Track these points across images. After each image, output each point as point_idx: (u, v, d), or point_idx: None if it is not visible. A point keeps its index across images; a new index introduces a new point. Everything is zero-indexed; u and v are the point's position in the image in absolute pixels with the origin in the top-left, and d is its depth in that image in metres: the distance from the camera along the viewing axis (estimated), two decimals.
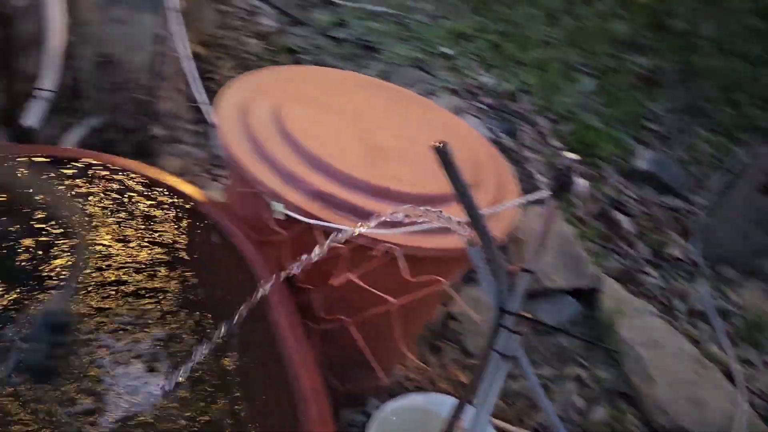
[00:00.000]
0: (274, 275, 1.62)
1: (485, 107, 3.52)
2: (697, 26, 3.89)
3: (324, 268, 1.59)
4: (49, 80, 1.84)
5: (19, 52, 1.73)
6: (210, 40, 3.53)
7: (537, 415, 2.30)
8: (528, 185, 3.17)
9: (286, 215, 1.58)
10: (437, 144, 0.87)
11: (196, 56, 3.49)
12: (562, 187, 0.93)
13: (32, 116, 1.89)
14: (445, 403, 1.82)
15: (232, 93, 1.90)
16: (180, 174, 2.88)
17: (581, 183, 0.88)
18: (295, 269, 1.12)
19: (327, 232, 1.55)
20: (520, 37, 3.78)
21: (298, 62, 3.63)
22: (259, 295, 1.35)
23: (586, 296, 2.61)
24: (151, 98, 2.73)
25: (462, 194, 0.92)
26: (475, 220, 0.97)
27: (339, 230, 1.48)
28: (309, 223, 1.54)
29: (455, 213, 1.69)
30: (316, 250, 1.11)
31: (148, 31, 2.80)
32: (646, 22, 3.85)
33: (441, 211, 0.95)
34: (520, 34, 3.79)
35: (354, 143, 1.75)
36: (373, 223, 1.00)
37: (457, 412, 1.19)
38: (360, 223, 1.08)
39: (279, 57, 3.62)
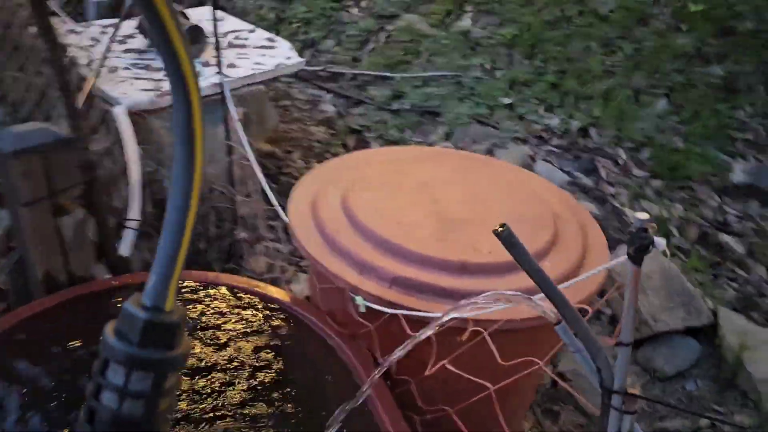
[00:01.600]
0: (373, 373, 1.59)
1: (556, 150, 3.43)
2: (767, 22, 3.67)
3: (415, 356, 1.55)
4: (134, 210, 1.96)
5: (103, 191, 1.86)
6: (277, 136, 3.68)
7: None
8: (617, 222, 3.02)
9: (367, 307, 1.57)
10: (498, 229, 0.83)
11: (268, 154, 3.64)
12: (640, 249, 0.86)
13: (124, 246, 2.01)
14: None
15: (301, 189, 1.95)
16: (268, 271, 2.96)
17: (660, 242, 0.81)
18: (389, 363, 1.08)
19: (410, 320, 1.52)
20: (578, 72, 3.70)
21: (362, 141, 3.71)
22: (362, 397, 1.32)
23: (705, 333, 2.41)
24: (230, 205, 2.85)
25: (535, 275, 0.87)
26: (556, 299, 0.91)
27: (431, 318, 1.44)
28: (390, 314, 1.51)
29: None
30: (406, 344, 1.08)
31: (217, 143, 2.95)
32: (709, 30, 3.68)
33: (529, 297, 0.90)
34: (578, 69, 3.72)
35: (425, 219, 1.74)
36: (459, 313, 0.96)
37: None
38: (449, 310, 1.04)
39: (344, 139, 3.71)
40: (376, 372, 1.05)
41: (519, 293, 0.95)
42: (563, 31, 3.79)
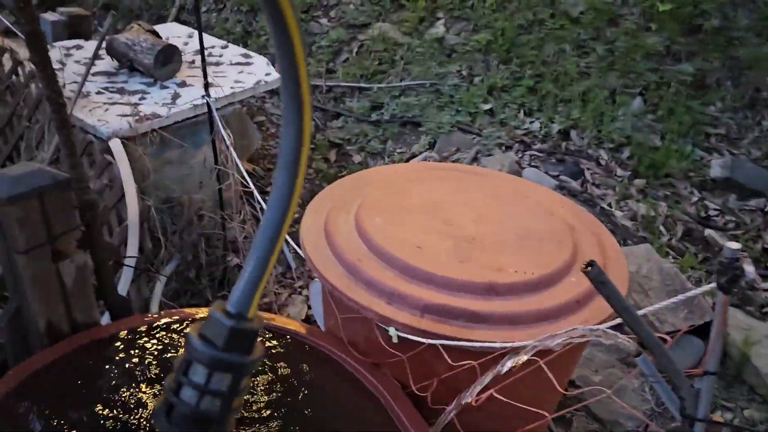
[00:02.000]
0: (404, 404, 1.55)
1: (540, 154, 3.44)
2: (732, 20, 3.77)
3: (452, 384, 1.51)
4: (132, 247, 1.87)
5: (101, 229, 1.76)
6: (257, 154, 3.59)
7: None
8: (608, 224, 3.05)
9: (400, 337, 1.52)
10: (585, 268, 0.80)
11: (248, 173, 3.55)
12: (732, 280, 0.84)
13: (123, 285, 1.91)
14: None
15: (310, 218, 1.88)
16: (263, 295, 2.87)
17: (750, 270, 0.79)
18: (452, 409, 1.04)
19: (447, 347, 1.48)
20: (555, 75, 3.73)
21: (344, 154, 3.65)
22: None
23: (707, 331, 2.44)
24: (220, 230, 2.76)
25: (624, 313, 0.84)
26: (643, 334, 0.88)
27: (471, 347, 1.40)
28: (429, 343, 1.47)
29: (568, 290, 1.61)
30: (486, 376, 1.03)
31: (202, 166, 2.86)
32: (677, 29, 3.75)
33: (614, 332, 0.87)
34: (554, 71, 3.74)
35: (443, 242, 1.70)
36: (525, 356, 0.93)
37: None
38: (535, 342, 1.00)
39: (325, 153, 3.65)
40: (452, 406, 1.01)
41: (601, 328, 0.92)
42: (537, 35, 3.81)
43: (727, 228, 3.18)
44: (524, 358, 0.94)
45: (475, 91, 3.71)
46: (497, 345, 1.29)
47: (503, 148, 3.41)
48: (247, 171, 3.56)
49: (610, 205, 3.18)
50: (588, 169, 3.36)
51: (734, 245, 0.83)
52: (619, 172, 3.38)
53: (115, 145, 1.94)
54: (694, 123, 3.56)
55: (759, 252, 3.01)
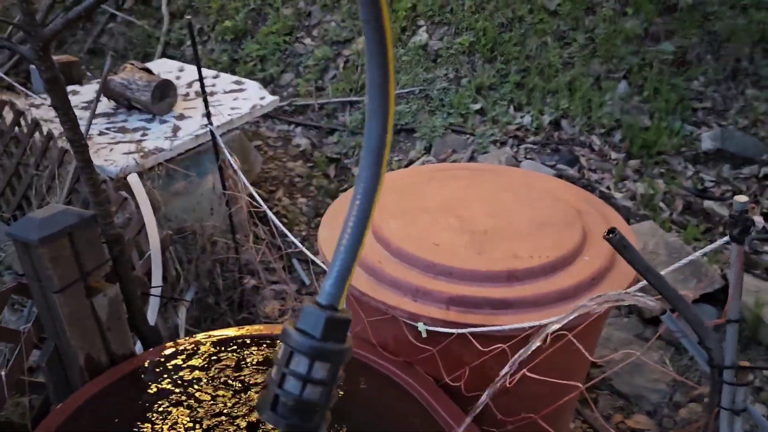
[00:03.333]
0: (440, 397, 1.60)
1: (534, 146, 3.52)
2: None
3: (484, 372, 1.57)
4: (157, 277, 1.92)
5: (128, 262, 1.82)
6: (259, 177, 3.66)
7: None
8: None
9: (429, 331, 1.58)
10: (608, 235, 0.87)
11: (251, 196, 3.62)
12: (743, 231, 0.91)
13: (152, 315, 1.96)
14: None
15: (326, 229, 1.95)
16: (281, 313, 2.93)
17: (759, 220, 0.86)
18: (483, 400, 1.09)
19: (476, 335, 1.54)
20: (540, 68, 3.82)
21: (343, 168, 3.72)
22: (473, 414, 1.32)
23: (719, 298, 2.51)
24: (233, 253, 2.82)
25: (647, 273, 0.90)
26: (666, 292, 0.95)
27: (499, 332, 1.46)
28: (458, 333, 1.53)
29: (583, 269, 1.67)
30: (522, 352, 1.09)
31: (211, 193, 2.92)
32: (653, 10, 3.85)
33: (636, 294, 0.93)
34: (539, 65, 3.83)
35: (459, 237, 1.76)
36: (556, 325, 0.99)
37: None
38: (562, 317, 1.06)
39: (324, 169, 3.72)
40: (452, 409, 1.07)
41: (625, 292, 0.98)
42: (518, 31, 3.90)
43: (725, 197, 3.26)
44: (556, 326, 1.00)
45: (464, 93, 3.79)
46: (526, 325, 1.35)
47: (498, 144, 3.49)
48: (248, 194, 3.63)
49: (608, 188, 3.25)
50: (582, 155, 3.44)
51: (743, 198, 0.90)
52: (613, 155, 3.46)
53: (133, 179, 2.00)
54: (680, 99, 3.65)
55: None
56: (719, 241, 1.03)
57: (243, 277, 2.80)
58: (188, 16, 2.29)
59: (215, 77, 3.61)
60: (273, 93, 4.38)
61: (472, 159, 3.40)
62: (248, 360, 1.79)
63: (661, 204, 3.08)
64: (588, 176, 3.30)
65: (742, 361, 1.02)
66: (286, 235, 2.65)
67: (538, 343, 1.03)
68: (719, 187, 3.32)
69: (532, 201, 1.97)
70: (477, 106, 3.77)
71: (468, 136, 3.60)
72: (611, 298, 0.98)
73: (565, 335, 1.44)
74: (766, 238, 2.94)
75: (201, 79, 2.30)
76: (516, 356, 1.05)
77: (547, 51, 3.82)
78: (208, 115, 2.44)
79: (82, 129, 2.82)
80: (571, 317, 0.99)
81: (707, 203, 3.18)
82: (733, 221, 0.90)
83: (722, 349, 1.02)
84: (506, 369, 1.05)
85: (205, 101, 2.37)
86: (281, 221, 3.46)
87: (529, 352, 1.03)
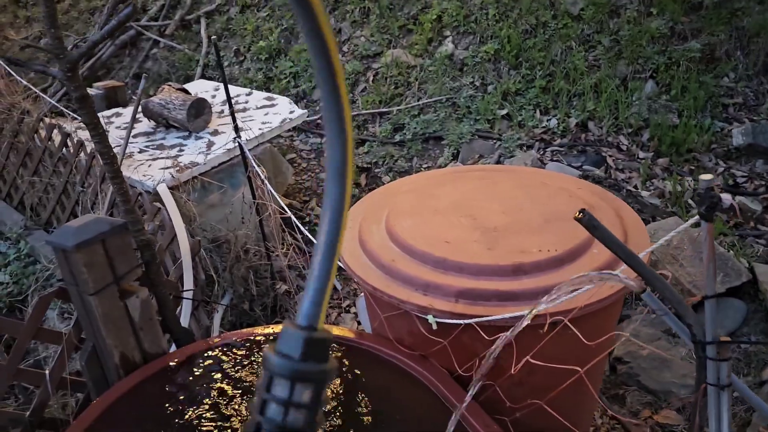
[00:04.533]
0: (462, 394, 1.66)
1: (561, 148, 3.54)
2: None
3: (494, 361, 1.61)
4: (188, 280, 2.03)
5: (160, 266, 1.94)
6: (291, 188, 3.79)
7: (758, 425, 2.14)
8: (637, 204, 3.11)
9: (439, 323, 1.64)
10: (579, 216, 0.92)
11: (287, 207, 3.74)
12: (709, 207, 0.95)
13: (184, 317, 2.07)
14: None
15: (345, 231, 2.03)
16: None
17: (726, 197, 0.90)
18: (479, 381, 1.15)
19: (485, 326, 1.59)
20: (565, 72, 3.84)
21: (373, 177, 3.81)
22: (457, 416, 1.38)
23: (746, 291, 2.48)
24: (266, 261, 2.93)
25: (620, 251, 0.95)
26: (641, 269, 0.99)
27: (504, 321, 1.51)
28: (464, 324, 1.58)
29: (591, 262, 1.70)
30: (494, 347, 1.15)
31: (242, 205, 3.05)
32: (679, 9, 3.83)
33: (615, 273, 0.98)
34: (564, 69, 3.85)
35: (470, 234, 1.82)
36: (543, 305, 1.04)
37: None
38: (544, 299, 1.11)
39: (355, 178, 3.82)
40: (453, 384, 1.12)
41: (605, 272, 1.03)
42: (542, 37, 3.94)
43: (758, 192, 3.20)
44: (542, 307, 1.05)
45: (490, 99, 3.84)
46: (517, 314, 1.40)
47: (524, 148, 3.52)
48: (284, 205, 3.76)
49: (636, 186, 3.24)
50: (610, 155, 3.44)
51: (707, 176, 0.94)
52: (641, 154, 3.44)
53: (162, 189, 2.14)
54: (710, 96, 3.61)
55: None
56: (690, 220, 1.05)
57: (276, 283, 2.91)
58: (214, 37, 2.43)
59: (248, 94, 3.77)
60: (306, 108, 4.53)
61: (498, 163, 3.44)
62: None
63: (690, 201, 3.06)
64: (615, 176, 3.29)
65: (723, 336, 1.05)
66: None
67: (524, 325, 1.08)
68: (752, 182, 3.26)
69: (545, 198, 2.01)
70: (503, 112, 3.81)
71: (495, 141, 3.65)
72: (593, 277, 1.03)
73: (575, 320, 1.48)
74: None
75: (228, 94, 2.43)
76: (502, 338, 1.10)
77: (572, 55, 3.84)
78: (236, 128, 2.56)
79: (120, 147, 3.00)
80: (556, 297, 1.04)
81: (739, 198, 3.14)
82: (699, 199, 0.94)
83: (703, 325, 1.05)
84: (491, 351, 1.10)
85: (233, 115, 2.50)
86: (314, 230, 3.57)
87: (515, 334, 1.08)
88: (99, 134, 1.58)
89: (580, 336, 1.34)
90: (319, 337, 0.58)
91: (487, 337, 1.55)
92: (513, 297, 1.62)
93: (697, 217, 0.97)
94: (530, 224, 1.86)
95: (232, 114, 2.50)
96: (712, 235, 0.97)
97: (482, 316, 1.57)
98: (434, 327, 1.64)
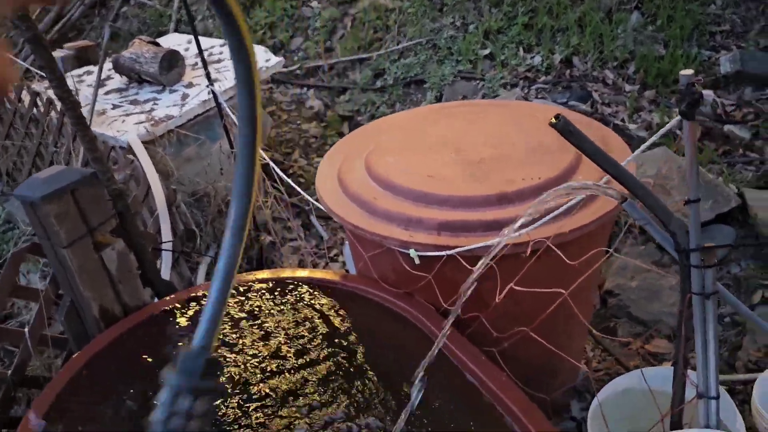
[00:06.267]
0: (443, 322, 1.63)
1: (545, 86, 3.46)
2: None
3: (478, 293, 1.58)
4: (166, 232, 1.98)
5: (135, 217, 1.88)
6: (273, 140, 3.71)
7: (744, 354, 2.14)
8: (625, 138, 3.05)
9: (422, 257, 1.60)
10: (553, 121, 0.86)
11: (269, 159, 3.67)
12: (691, 104, 0.90)
13: (164, 270, 2.03)
14: (656, 375, 1.73)
15: (323, 170, 1.98)
16: (305, 266, 2.99)
17: (708, 93, 0.84)
18: (459, 306, 1.11)
19: (468, 257, 1.55)
20: (548, 7, 3.73)
21: (356, 125, 3.73)
22: (437, 347, 1.35)
23: (736, 217, 2.45)
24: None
25: (595, 152, 0.90)
26: (619, 174, 0.94)
27: (482, 248, 1.48)
28: (448, 256, 1.55)
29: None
30: (474, 273, 1.11)
31: (220, 156, 2.98)
32: None
33: (595, 184, 0.93)
34: (546, 4, 3.74)
35: (455, 167, 1.76)
36: (517, 227, 0.99)
37: (679, 373, 1.13)
38: (504, 231, 1.07)
39: (338, 128, 3.74)
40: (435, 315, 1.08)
41: (585, 182, 0.98)
42: None
43: (747, 119, 3.15)
44: (518, 224, 1.01)
45: (471, 39, 3.74)
46: (486, 243, 1.35)
47: (508, 87, 3.44)
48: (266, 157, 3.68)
49: (623, 120, 3.18)
50: (595, 90, 3.37)
51: (688, 72, 0.89)
52: (628, 87, 3.37)
53: (132, 138, 2.07)
54: (697, 25, 3.52)
55: None
56: (671, 122, 1.00)
57: (260, 234, 2.86)
58: None
59: (223, 45, 3.65)
60: (284, 58, 4.40)
61: None
62: (262, 304, 1.85)
63: (677, 131, 3.00)
64: (601, 110, 3.23)
65: (707, 243, 1.01)
66: (301, 194, 2.69)
67: (501, 245, 1.04)
68: (740, 110, 3.21)
69: (532, 129, 1.95)
70: (486, 52, 3.71)
71: (478, 81, 3.56)
72: (573, 188, 0.98)
73: (559, 246, 1.44)
74: None
75: (197, 41, 2.33)
76: (481, 264, 1.06)
77: None
78: (208, 77, 2.48)
79: (89, 102, 2.90)
80: (531, 215, 0.99)
81: (727, 127, 3.09)
82: (680, 96, 0.89)
83: (687, 232, 1.01)
84: (469, 279, 1.06)
85: (204, 63, 2.41)
86: (298, 181, 3.51)
87: (494, 260, 1.04)
88: (57, 78, 1.51)
89: (563, 257, 1.30)
90: (213, 359, 0.68)
91: (471, 268, 1.52)
92: (497, 226, 1.57)
93: (678, 118, 0.92)
94: (516, 156, 1.80)
95: (204, 62, 2.41)
96: (694, 135, 0.92)
97: (465, 246, 1.53)
98: (417, 261, 1.60)
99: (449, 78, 3.59)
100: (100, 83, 3.34)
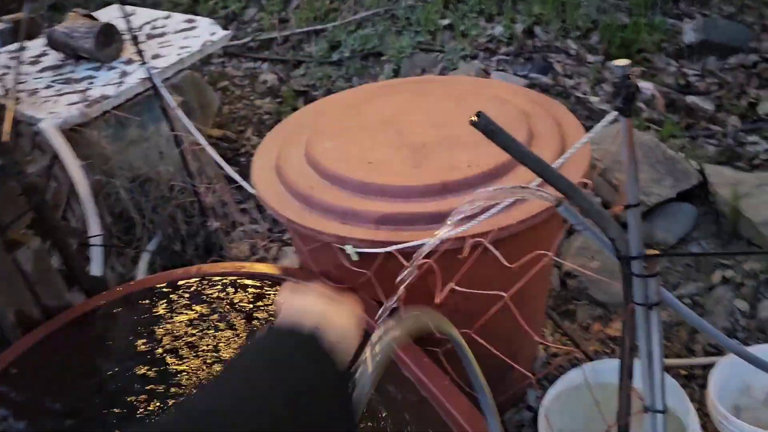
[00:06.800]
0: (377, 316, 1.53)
1: (507, 57, 3.33)
2: None
3: (421, 290, 1.49)
4: (94, 227, 1.84)
5: (55, 212, 1.74)
6: (225, 118, 3.54)
7: (703, 338, 2.09)
8: (586, 111, 2.96)
9: (359, 254, 1.50)
10: (473, 118, 0.75)
11: (220, 138, 3.50)
12: (626, 99, 0.79)
13: (95, 266, 1.90)
14: (609, 368, 1.67)
15: (260, 158, 1.85)
16: (252, 254, 2.87)
17: (646, 86, 0.73)
18: (392, 304, 1.01)
19: (407, 254, 1.45)
20: None
21: (311, 100, 3.57)
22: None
23: (697, 195, 2.38)
24: (194, 198, 2.73)
25: (522, 156, 0.79)
26: (550, 177, 0.83)
27: (419, 246, 1.37)
28: (385, 253, 1.44)
29: (522, 176, 1.55)
30: (403, 274, 1.01)
31: (163, 139, 2.81)
32: None
33: (525, 186, 0.82)
34: None
35: (396, 152, 1.65)
36: (447, 228, 0.89)
37: (624, 375, 1.04)
38: (439, 231, 0.96)
39: (292, 103, 3.58)
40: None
41: (516, 186, 0.87)
42: None
43: (711, 90, 3.08)
44: (450, 222, 0.90)
45: (431, 8, 3.58)
46: (425, 241, 1.25)
47: (468, 59, 3.31)
48: (218, 137, 3.52)
49: (585, 92, 3.08)
50: (558, 61, 3.25)
51: (623, 62, 0.78)
52: (590, 58, 3.27)
53: (45, 125, 1.90)
54: None
55: (745, 108, 2.92)
56: (605, 118, 0.90)
57: (206, 220, 2.73)
58: None
59: (166, 18, 3.44)
60: (238, 30, 4.20)
61: (441, 75, 3.24)
62: (201, 298, 1.73)
63: (641, 104, 2.91)
64: (563, 82, 3.12)
65: (649, 249, 0.92)
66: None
67: (426, 251, 0.93)
68: (704, 81, 3.13)
69: (478, 108, 1.83)
70: (445, 22, 3.57)
71: (437, 53, 3.42)
72: (505, 191, 0.87)
73: (500, 242, 1.35)
74: (752, 129, 2.77)
75: (125, 14, 2.16)
76: (412, 262, 0.95)
77: None
78: (139, 53, 2.30)
79: (24, 86, 2.70)
80: (462, 213, 0.88)
81: (690, 98, 3.01)
82: (615, 90, 0.78)
83: (626, 238, 0.91)
84: (400, 277, 0.96)
85: (134, 39, 2.23)
86: (252, 161, 3.36)
87: (421, 259, 0.94)
88: None
89: (501, 258, 1.20)
90: None
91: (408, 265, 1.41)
92: (438, 219, 1.47)
93: (614, 113, 0.81)
94: (460, 138, 1.69)
95: (134, 37, 2.23)
96: (631, 133, 0.81)
97: (404, 242, 1.43)
98: (354, 258, 1.49)
99: (408, 50, 3.44)
100: (35, 60, 3.13)
